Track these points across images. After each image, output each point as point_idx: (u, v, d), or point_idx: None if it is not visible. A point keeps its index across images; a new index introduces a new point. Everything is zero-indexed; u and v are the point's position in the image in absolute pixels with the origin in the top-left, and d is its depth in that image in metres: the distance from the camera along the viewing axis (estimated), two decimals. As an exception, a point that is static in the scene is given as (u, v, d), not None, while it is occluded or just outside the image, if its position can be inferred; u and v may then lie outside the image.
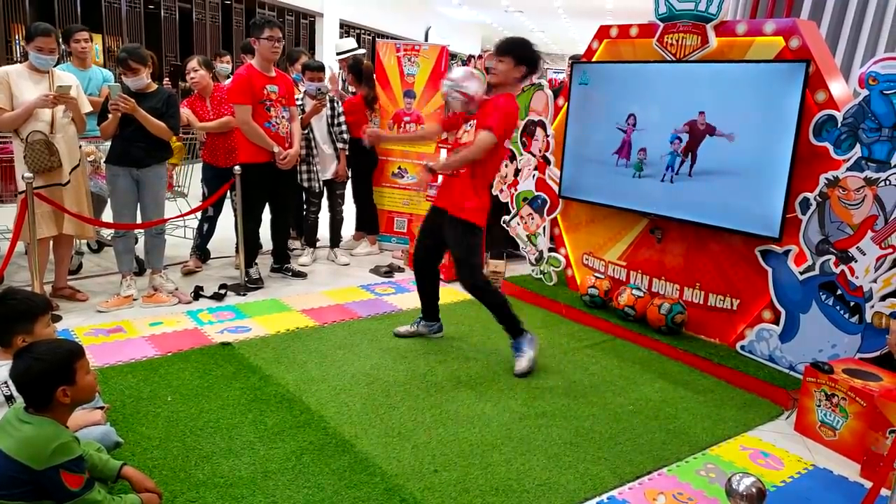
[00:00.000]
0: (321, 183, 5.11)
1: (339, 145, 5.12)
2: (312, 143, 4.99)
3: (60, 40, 4.30)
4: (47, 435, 1.84)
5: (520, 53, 3.30)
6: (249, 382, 3.11)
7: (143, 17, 10.63)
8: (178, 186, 5.48)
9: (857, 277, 3.09)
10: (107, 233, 5.23)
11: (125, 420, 2.71)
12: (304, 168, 4.96)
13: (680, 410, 3.10)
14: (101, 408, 2.48)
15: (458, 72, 3.46)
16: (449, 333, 3.87)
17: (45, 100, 3.64)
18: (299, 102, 4.86)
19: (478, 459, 2.59)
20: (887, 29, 4.11)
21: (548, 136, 4.48)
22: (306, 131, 4.91)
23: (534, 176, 4.60)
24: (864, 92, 3.04)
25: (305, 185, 5.04)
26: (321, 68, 5.03)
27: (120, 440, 2.42)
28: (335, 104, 5.08)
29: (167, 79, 5.56)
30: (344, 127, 5.11)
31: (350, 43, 5.95)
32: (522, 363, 3.35)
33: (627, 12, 17.91)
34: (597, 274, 4.31)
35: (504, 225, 4.85)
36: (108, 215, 4.78)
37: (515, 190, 4.73)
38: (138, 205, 4.09)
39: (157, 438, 2.59)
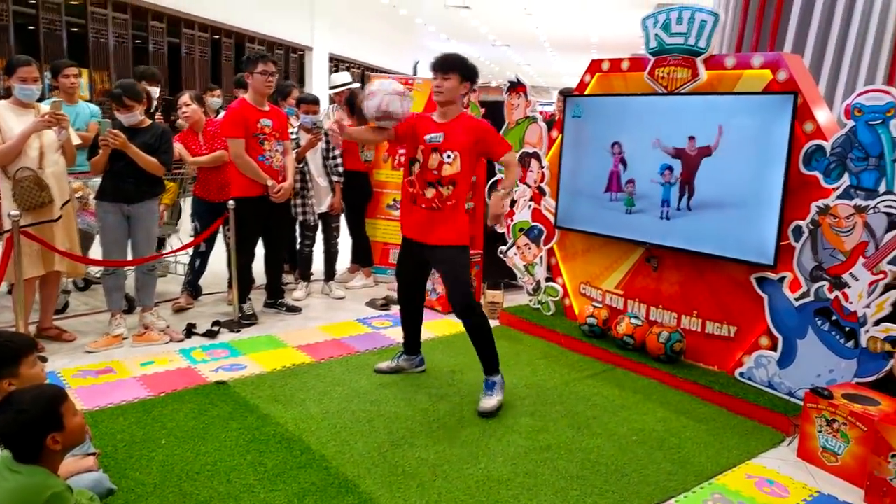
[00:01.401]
0: (316, 216, 5.09)
1: (335, 178, 5.13)
2: (307, 177, 4.99)
3: (47, 74, 4.30)
4: (39, 485, 1.78)
5: (464, 70, 3.25)
6: (247, 422, 3.05)
7: (130, 52, 10.66)
8: (170, 222, 5.43)
9: (850, 303, 3.12)
10: (94, 270, 5.17)
11: (118, 466, 2.64)
12: (298, 201, 4.95)
13: (684, 440, 3.09)
14: (93, 454, 2.42)
15: (379, 91, 3.26)
16: (449, 366, 3.84)
17: (41, 121, 3.62)
18: (294, 136, 4.87)
19: (485, 496, 2.55)
20: (867, 60, 4.21)
21: (542, 167, 4.52)
22: (301, 164, 4.92)
23: (530, 206, 4.63)
24: (851, 122, 3.10)
25: (300, 218, 5.02)
26: (316, 101, 5.06)
27: (113, 487, 2.36)
28: (329, 138, 5.09)
29: (159, 114, 5.58)
30: (339, 160, 5.13)
31: (345, 77, 6.00)
32: (492, 402, 3.26)
33: (611, 46, 18.34)
34: (595, 303, 4.32)
35: (501, 255, 4.86)
36: (94, 252, 4.74)
37: (512, 220, 4.75)
38: (129, 241, 4.04)
39: (152, 484, 2.53)
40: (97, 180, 4.07)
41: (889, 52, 4.17)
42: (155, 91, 5.57)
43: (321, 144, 5.00)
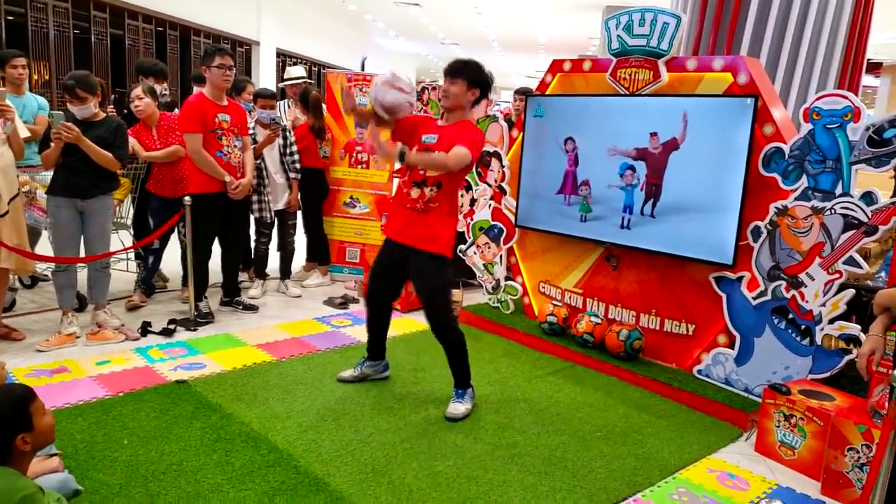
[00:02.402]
0: (272, 213, 5.00)
1: (292, 175, 5.03)
2: (264, 173, 4.88)
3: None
4: (10, 487, 1.70)
5: (473, 76, 3.15)
6: (211, 421, 2.97)
7: (72, 42, 10.24)
8: (121, 218, 5.24)
9: (807, 302, 3.24)
10: (41, 267, 4.94)
11: (79, 467, 2.53)
12: (255, 198, 4.85)
13: (646, 435, 3.15)
14: (55, 454, 2.32)
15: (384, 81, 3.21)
16: (411, 364, 3.82)
17: None
18: (251, 132, 4.77)
19: (455, 493, 2.55)
20: (820, 62, 4.39)
21: (503, 166, 4.55)
22: (258, 161, 4.82)
23: (490, 206, 4.65)
24: (809, 126, 3.23)
25: (256, 215, 4.91)
26: (273, 96, 4.96)
27: (80, 488, 2.28)
28: (287, 133, 5.00)
29: (112, 107, 5.34)
30: (296, 157, 5.04)
31: (299, 71, 5.91)
32: (460, 408, 3.20)
33: (559, 46, 18.62)
34: (554, 302, 4.37)
35: (460, 254, 4.86)
36: (42, 248, 4.53)
37: (471, 219, 4.77)
38: (81, 237, 3.88)
39: (118, 485, 2.44)
40: (45, 174, 3.89)
41: (841, 54, 4.35)
42: (158, 89, 4.94)
43: (279, 140, 4.90)
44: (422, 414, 3.20)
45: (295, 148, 5.04)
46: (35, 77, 9.74)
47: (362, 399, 3.32)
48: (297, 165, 5.05)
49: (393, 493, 2.52)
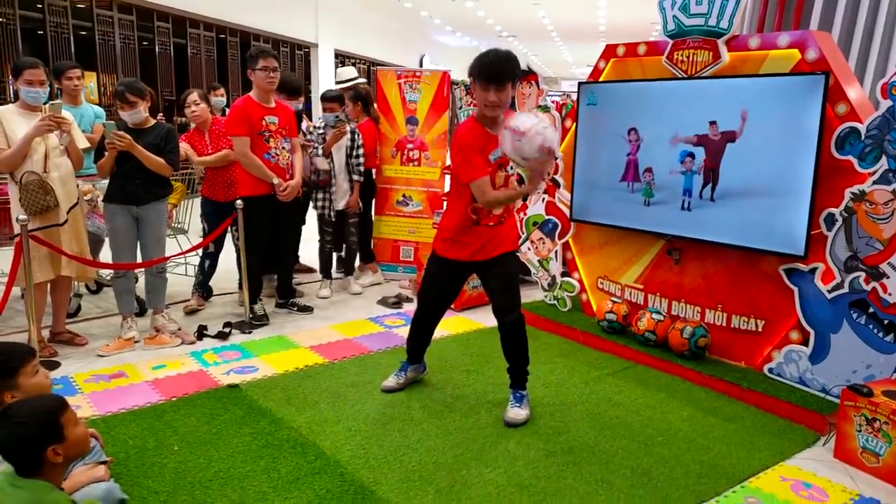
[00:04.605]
0: (334, 212, 4.98)
1: (355, 177, 5.01)
2: (333, 172, 4.88)
3: (51, 76, 4.23)
4: (41, 500, 1.70)
5: (515, 73, 2.92)
6: (260, 427, 2.96)
7: (137, 53, 10.61)
8: (178, 223, 5.36)
9: (890, 294, 2.96)
10: (105, 273, 5.10)
11: (129, 474, 2.56)
12: (321, 195, 4.86)
13: (712, 440, 2.96)
14: (104, 462, 2.34)
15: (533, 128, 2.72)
16: (464, 365, 3.73)
17: (42, 125, 3.55)
18: (320, 131, 4.82)
19: (506, 503, 2.44)
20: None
21: (556, 158, 4.38)
22: (328, 159, 4.86)
23: (543, 199, 4.50)
24: (888, 102, 2.94)
25: (319, 211, 4.92)
26: (335, 99, 4.95)
27: (125, 497, 2.27)
28: (355, 135, 4.98)
29: (161, 114, 5.51)
30: (361, 160, 5.02)
31: (351, 72, 5.90)
32: (522, 413, 3.07)
33: (620, 33, 18.12)
34: (613, 298, 4.18)
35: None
36: (105, 255, 4.66)
37: (525, 214, 4.62)
38: (138, 244, 3.97)
39: (165, 493, 2.44)
40: (106, 182, 3.99)
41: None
42: (296, 105, 4.95)
43: (346, 142, 4.89)
44: (472, 418, 3.10)
45: (362, 151, 5.02)
46: (109, 88, 10.14)
47: (412, 402, 3.25)
48: (361, 168, 5.03)
49: (440, 501, 2.43)
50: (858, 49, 4.07)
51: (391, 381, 3.41)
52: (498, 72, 2.87)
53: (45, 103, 3.76)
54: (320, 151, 4.83)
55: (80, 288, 4.77)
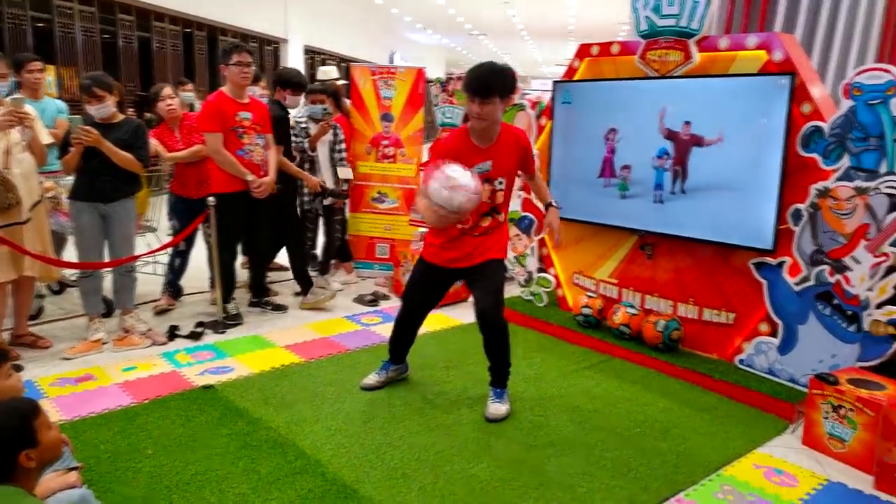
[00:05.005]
0: (320, 207, 4.95)
1: (339, 174, 4.98)
2: (317, 165, 4.85)
3: (12, 69, 4.11)
4: None
5: (504, 88, 2.89)
6: (237, 427, 2.92)
7: (99, 47, 10.35)
8: (146, 221, 5.26)
9: (853, 286, 3.07)
10: (68, 273, 4.97)
11: (102, 479, 2.50)
12: (306, 191, 4.82)
13: (687, 430, 3.02)
14: (75, 468, 2.28)
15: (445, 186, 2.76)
16: (442, 361, 3.74)
17: (3, 120, 3.43)
18: (303, 125, 4.77)
19: (490, 497, 2.46)
20: (857, 38, 4.16)
21: (532, 156, 4.40)
22: (314, 153, 4.84)
23: (519, 196, 4.53)
24: (850, 102, 3.04)
25: (306, 206, 4.88)
26: (322, 91, 4.92)
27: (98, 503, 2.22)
28: (337, 129, 4.95)
29: (132, 109, 5.40)
30: (344, 154, 5.00)
31: (333, 72, 5.89)
32: (502, 408, 3.09)
33: (589, 33, 18.30)
34: (589, 293, 4.24)
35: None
36: (69, 254, 4.55)
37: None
38: (105, 242, 3.88)
39: (140, 498, 2.40)
40: (70, 179, 3.89)
41: (879, 29, 4.12)
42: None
43: (329, 136, 4.86)
44: (453, 415, 3.11)
45: (343, 146, 4.99)
46: (67, 83, 9.87)
47: (392, 400, 3.25)
48: (346, 162, 5.01)
49: (424, 499, 2.44)
50: (819, 49, 4.18)
51: (371, 379, 3.40)
52: (483, 84, 2.86)
53: (5, 97, 3.65)
54: (306, 144, 4.78)
55: (41, 289, 4.64)
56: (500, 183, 3.05)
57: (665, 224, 3.73)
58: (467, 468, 2.65)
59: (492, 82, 2.86)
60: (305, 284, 4.76)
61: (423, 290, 3.28)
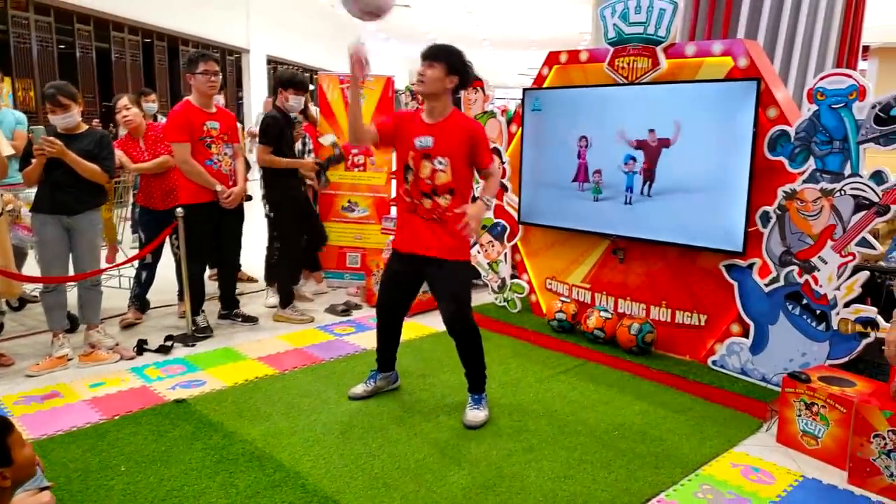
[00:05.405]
0: None
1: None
2: None
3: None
4: None
5: (453, 61, 2.92)
6: (212, 441, 2.85)
7: (56, 57, 10.10)
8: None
9: (820, 286, 3.15)
10: (30, 287, 4.82)
11: (73, 498, 2.42)
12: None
13: (664, 431, 3.05)
14: (46, 487, 2.20)
15: None
16: (418, 370, 3.71)
17: None
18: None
19: (472, 504, 2.44)
20: (817, 44, 4.30)
21: (503, 162, 4.44)
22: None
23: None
24: (814, 107, 3.13)
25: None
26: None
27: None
28: (306, 138, 4.90)
29: (97, 120, 5.28)
30: None
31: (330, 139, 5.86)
32: (480, 415, 3.07)
33: (550, 42, 18.53)
34: (562, 298, 4.26)
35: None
36: (30, 268, 4.41)
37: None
38: (70, 256, 3.76)
39: (116, 515, 2.32)
40: (29, 191, 3.77)
41: (837, 37, 4.26)
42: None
43: (297, 146, 4.81)
44: (432, 422, 3.09)
45: (312, 156, 4.94)
46: (22, 95, 9.61)
47: (370, 410, 3.21)
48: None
49: (406, 507, 2.41)
50: (781, 54, 4.30)
51: (359, 389, 3.36)
52: (430, 50, 2.95)
53: None
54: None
55: (1, 304, 4.48)
56: (442, 163, 2.96)
57: (637, 228, 3.77)
58: (448, 476, 2.62)
59: (438, 50, 2.94)
60: (229, 306, 4.61)
61: (391, 286, 3.24)
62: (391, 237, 5.12)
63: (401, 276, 3.20)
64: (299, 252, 4.76)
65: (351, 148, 5.42)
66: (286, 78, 4.56)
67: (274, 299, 4.94)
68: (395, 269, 3.21)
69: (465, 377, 3.18)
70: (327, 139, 5.05)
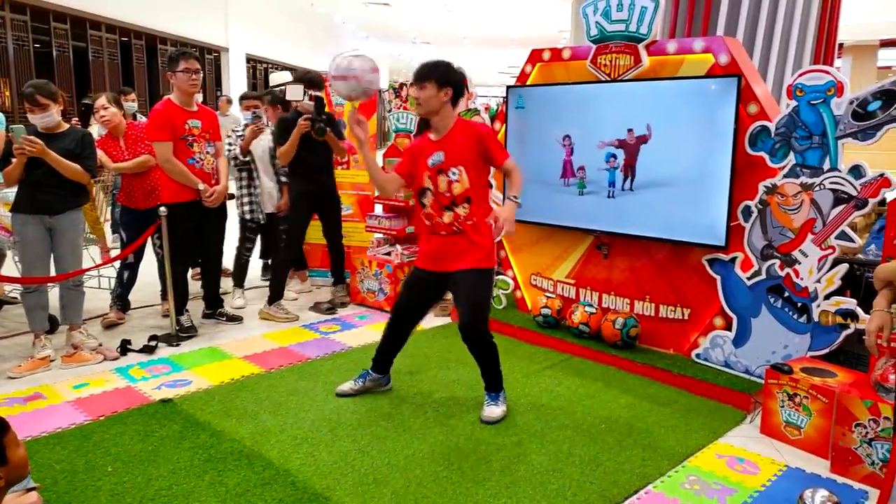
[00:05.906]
0: (263, 214, 4.87)
1: (283, 179, 4.91)
2: (254, 174, 4.77)
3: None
4: None
5: (440, 76, 2.99)
6: (200, 440, 2.84)
7: (32, 56, 9.94)
8: (88, 234, 5.06)
9: (801, 279, 3.20)
10: (7, 288, 4.75)
11: (60, 499, 2.40)
12: (246, 199, 4.72)
13: (651, 424, 3.09)
14: (33, 488, 2.18)
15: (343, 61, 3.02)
16: (406, 367, 3.70)
17: None
18: (239, 132, 4.73)
19: (463, 499, 2.45)
20: (794, 41, 4.36)
21: (497, 146, 4.43)
22: (247, 158, 4.75)
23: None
24: (793, 103, 3.18)
25: (247, 216, 4.78)
26: (259, 97, 4.87)
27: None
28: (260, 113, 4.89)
29: (76, 119, 5.20)
30: None
31: (286, 76, 5.82)
32: (496, 411, 3.10)
33: (530, 40, 18.61)
34: (547, 294, 4.29)
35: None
36: (8, 269, 4.35)
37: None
38: (51, 256, 3.72)
39: (103, 516, 2.30)
40: (8, 192, 3.72)
41: (814, 34, 4.33)
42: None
43: (268, 143, 4.78)
44: (420, 419, 3.10)
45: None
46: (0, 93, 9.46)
47: (358, 407, 3.21)
48: (286, 169, 4.92)
49: (397, 503, 2.41)
50: (760, 51, 4.36)
51: (346, 386, 3.36)
52: (418, 72, 3.02)
53: None
54: (237, 150, 4.72)
55: (-19, 306, 4.43)
56: (455, 173, 3.00)
57: (620, 223, 3.81)
58: (438, 471, 2.63)
59: (425, 70, 3.01)
60: (213, 305, 4.60)
61: (413, 287, 3.26)
62: (375, 235, 5.13)
63: (423, 282, 3.21)
64: (299, 252, 4.73)
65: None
66: (300, 74, 4.54)
67: (241, 300, 4.90)
68: (419, 275, 3.22)
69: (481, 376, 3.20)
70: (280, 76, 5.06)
